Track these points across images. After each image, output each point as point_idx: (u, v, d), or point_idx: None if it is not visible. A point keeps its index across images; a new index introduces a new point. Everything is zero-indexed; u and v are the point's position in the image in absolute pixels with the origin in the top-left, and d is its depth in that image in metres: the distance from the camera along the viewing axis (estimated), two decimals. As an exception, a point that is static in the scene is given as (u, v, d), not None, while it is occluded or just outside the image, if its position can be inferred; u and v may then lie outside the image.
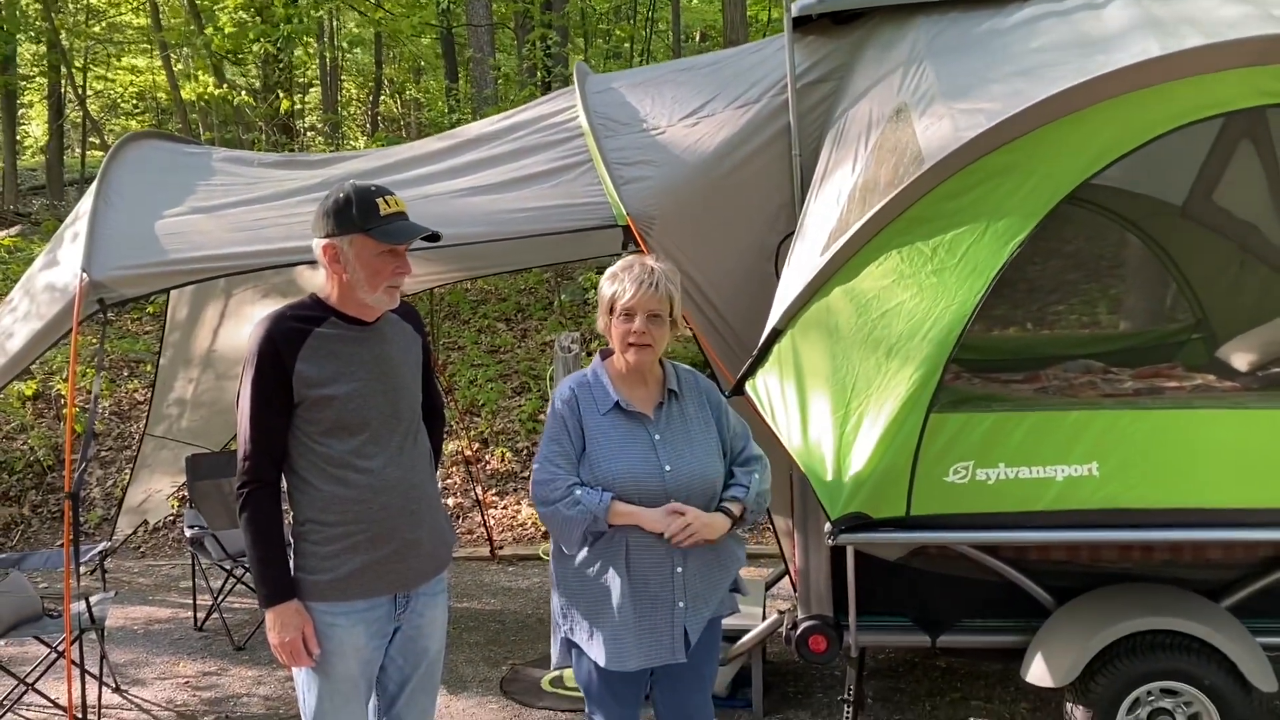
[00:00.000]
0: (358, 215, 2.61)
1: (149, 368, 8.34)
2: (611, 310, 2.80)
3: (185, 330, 6.26)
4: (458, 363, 9.40)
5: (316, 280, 6.13)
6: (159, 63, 13.90)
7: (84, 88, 15.35)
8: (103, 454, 8.26)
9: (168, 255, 4.11)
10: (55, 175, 16.43)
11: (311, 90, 17.56)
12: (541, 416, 8.48)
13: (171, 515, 7.41)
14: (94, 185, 4.50)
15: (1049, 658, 3.58)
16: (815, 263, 3.54)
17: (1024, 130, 3.28)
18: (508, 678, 4.94)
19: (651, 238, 4.03)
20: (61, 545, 6.88)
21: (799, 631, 3.95)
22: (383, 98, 16.34)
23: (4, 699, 4.64)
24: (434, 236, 2.73)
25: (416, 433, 2.79)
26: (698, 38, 17.20)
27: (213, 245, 4.16)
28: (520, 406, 8.75)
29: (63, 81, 15.19)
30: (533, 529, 7.48)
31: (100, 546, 5.21)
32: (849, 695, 4.05)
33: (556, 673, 4.86)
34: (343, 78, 17.16)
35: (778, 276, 3.99)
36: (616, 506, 2.73)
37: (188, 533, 5.68)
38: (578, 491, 2.73)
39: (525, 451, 8.28)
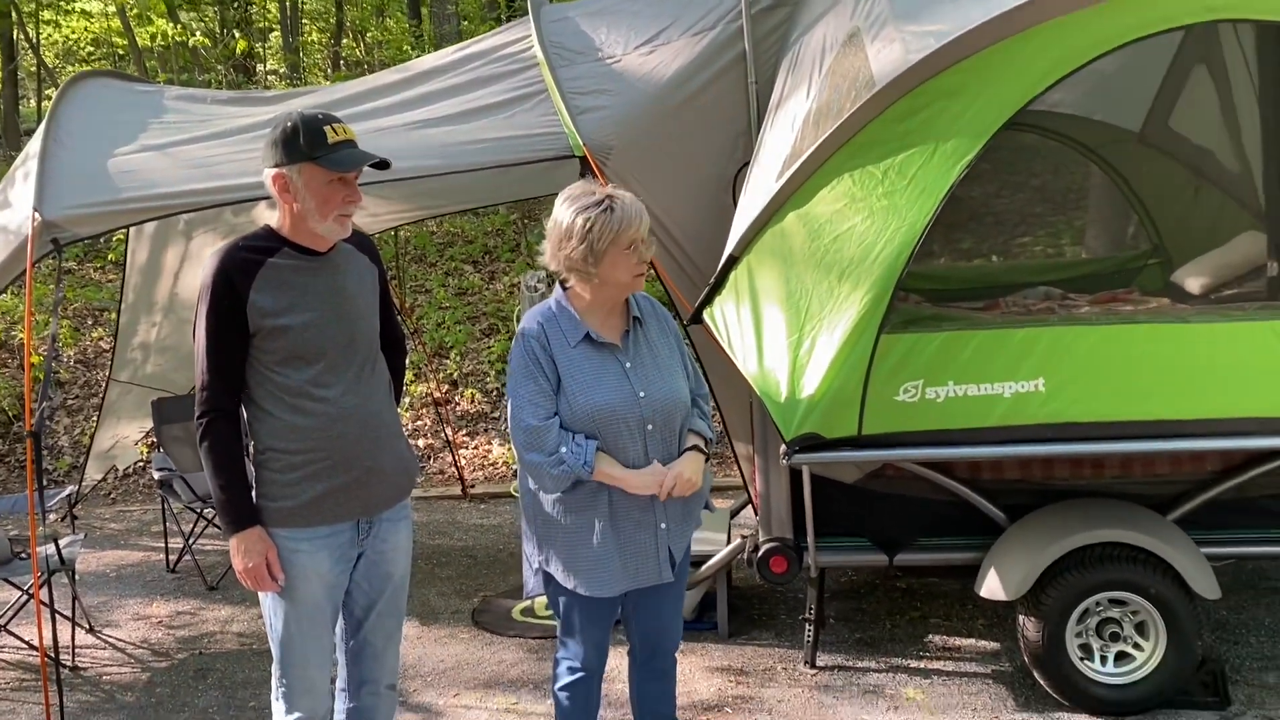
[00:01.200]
0: (305, 144, 2.60)
1: (113, 315, 8.28)
2: (602, 246, 2.68)
3: (146, 275, 6.20)
4: (425, 305, 9.38)
5: (276, 220, 6.10)
6: (113, 8, 13.58)
7: (37, 34, 15.00)
8: (69, 402, 8.23)
9: (121, 193, 4.07)
10: (11, 124, 16.05)
11: (272, 34, 17.21)
12: (511, 357, 8.49)
13: (141, 461, 7.41)
14: (43, 124, 4.43)
15: (1002, 572, 3.69)
16: (770, 189, 3.56)
17: (971, 51, 3.29)
18: (479, 609, 5.02)
19: (608, 168, 4.02)
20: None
21: (760, 554, 4.04)
22: (344, 40, 16.04)
23: (-23, 641, 4.69)
24: (384, 164, 2.73)
25: (374, 361, 2.82)
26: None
27: (167, 183, 4.12)
28: (489, 348, 8.76)
29: (14, 28, 14.82)
30: (504, 468, 7.54)
31: (67, 490, 5.22)
32: (810, 615, 4.16)
33: (527, 602, 4.94)
34: (303, 20, 16.82)
35: (735, 205, 4.01)
36: (601, 467, 2.74)
37: (156, 476, 5.69)
38: (563, 449, 2.72)
39: (495, 392, 8.30)
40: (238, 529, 2.65)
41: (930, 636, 4.41)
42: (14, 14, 13.51)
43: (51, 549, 4.44)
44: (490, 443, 7.87)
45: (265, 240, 2.67)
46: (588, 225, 2.69)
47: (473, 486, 7.22)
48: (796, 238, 3.44)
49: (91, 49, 17.26)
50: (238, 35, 12.10)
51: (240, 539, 2.65)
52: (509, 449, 7.63)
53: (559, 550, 2.85)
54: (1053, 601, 3.63)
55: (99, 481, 7.23)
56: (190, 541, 5.68)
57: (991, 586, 3.69)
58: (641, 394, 2.79)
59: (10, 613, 4.65)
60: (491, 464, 7.66)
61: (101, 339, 8.82)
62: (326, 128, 2.63)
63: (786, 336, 3.37)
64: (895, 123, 3.34)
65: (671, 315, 3.02)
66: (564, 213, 2.74)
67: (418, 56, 12.07)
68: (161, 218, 4.75)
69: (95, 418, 7.13)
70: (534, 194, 6.10)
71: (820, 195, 3.42)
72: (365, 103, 4.48)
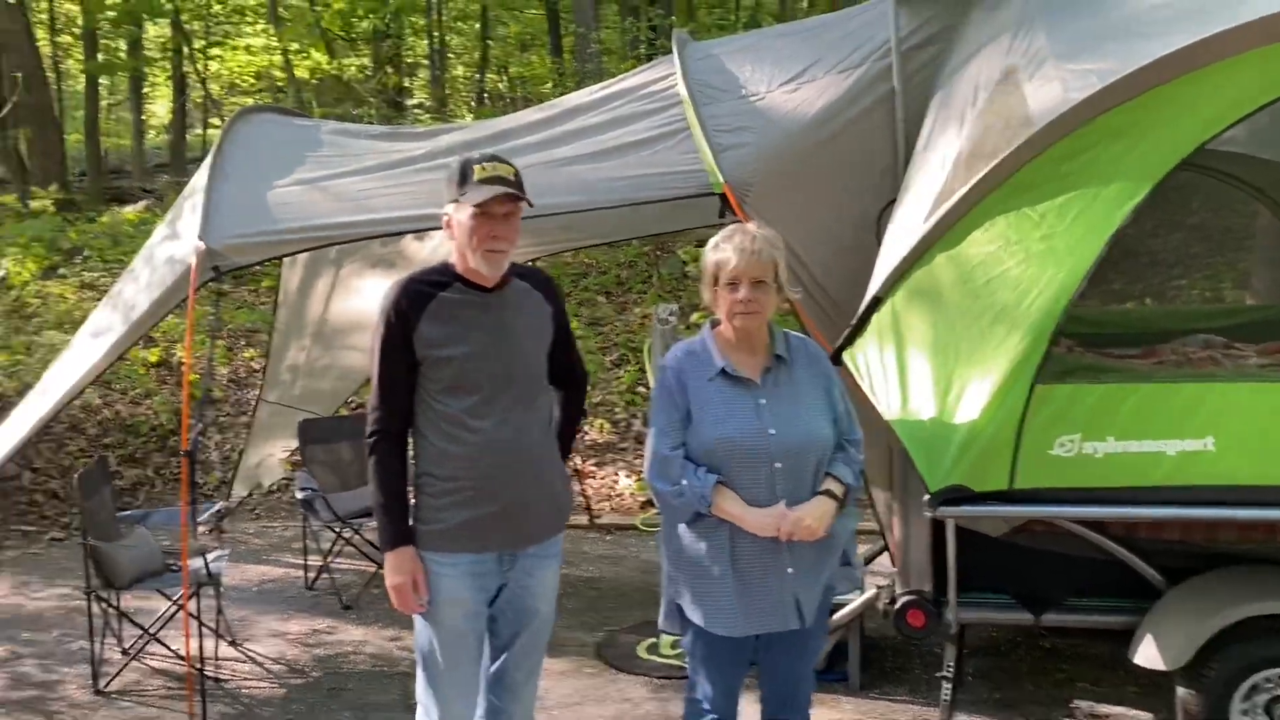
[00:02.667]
0: (458, 182, 2.74)
1: (265, 337, 8.65)
2: (716, 281, 2.79)
3: (298, 300, 6.47)
4: (559, 335, 9.49)
5: (423, 251, 6.28)
6: (274, 42, 14.35)
7: (204, 68, 15.96)
8: (220, 419, 8.60)
9: (278, 224, 4.24)
10: (179, 153, 17.11)
11: (420, 70, 17.89)
12: (640, 388, 8.52)
13: (285, 479, 7.67)
14: (209, 157, 4.66)
15: (1159, 640, 3.46)
16: (918, 229, 3.47)
17: (1139, 90, 3.15)
18: (604, 643, 5.00)
19: (748, 205, 3.98)
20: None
21: (897, 606, 3.90)
22: (488, 75, 16.54)
23: (129, 648, 4.90)
24: (516, 196, 2.73)
25: (533, 397, 2.85)
26: (805, 4, 16.92)
27: (320, 215, 4.28)
28: (619, 378, 8.80)
29: (185, 62, 15.80)
30: (630, 499, 7.53)
31: (217, 506, 5.44)
32: (948, 672, 3.98)
33: (652, 640, 4.90)
34: (449, 55, 17.43)
35: (878, 245, 3.92)
36: (721, 503, 2.72)
37: (299, 495, 5.87)
38: (684, 481, 2.74)
39: (623, 423, 8.32)
40: (390, 547, 2.76)
41: (1076, 702, 4.17)
42: (185, 49, 14.39)
43: (200, 563, 4.62)
44: (618, 474, 7.88)
45: (439, 274, 2.80)
46: (702, 264, 2.84)
47: (599, 516, 7.23)
48: (946, 280, 3.33)
49: (253, 81, 18.24)
50: (389, 70, 12.61)
51: (392, 556, 2.76)
52: (636, 480, 7.63)
53: (687, 584, 2.84)
54: (1216, 674, 3.38)
55: (245, 498, 7.52)
56: (328, 560, 5.83)
57: (1148, 654, 3.47)
58: (772, 431, 2.75)
59: (160, 623, 4.84)
60: (618, 495, 7.66)
61: (253, 359, 9.22)
62: (476, 166, 2.73)
63: (933, 382, 3.26)
64: (1055, 164, 3.21)
65: (826, 356, 2.97)
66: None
67: (559, 92, 12.35)
68: (316, 248, 4.92)
69: (244, 435, 7.44)
70: (669, 229, 6.11)
71: (972, 237, 3.31)
72: (511, 140, 4.56)
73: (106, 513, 4.88)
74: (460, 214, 2.72)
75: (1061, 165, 3.21)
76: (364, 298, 6.36)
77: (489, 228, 2.71)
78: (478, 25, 15.99)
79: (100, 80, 16.57)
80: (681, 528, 2.82)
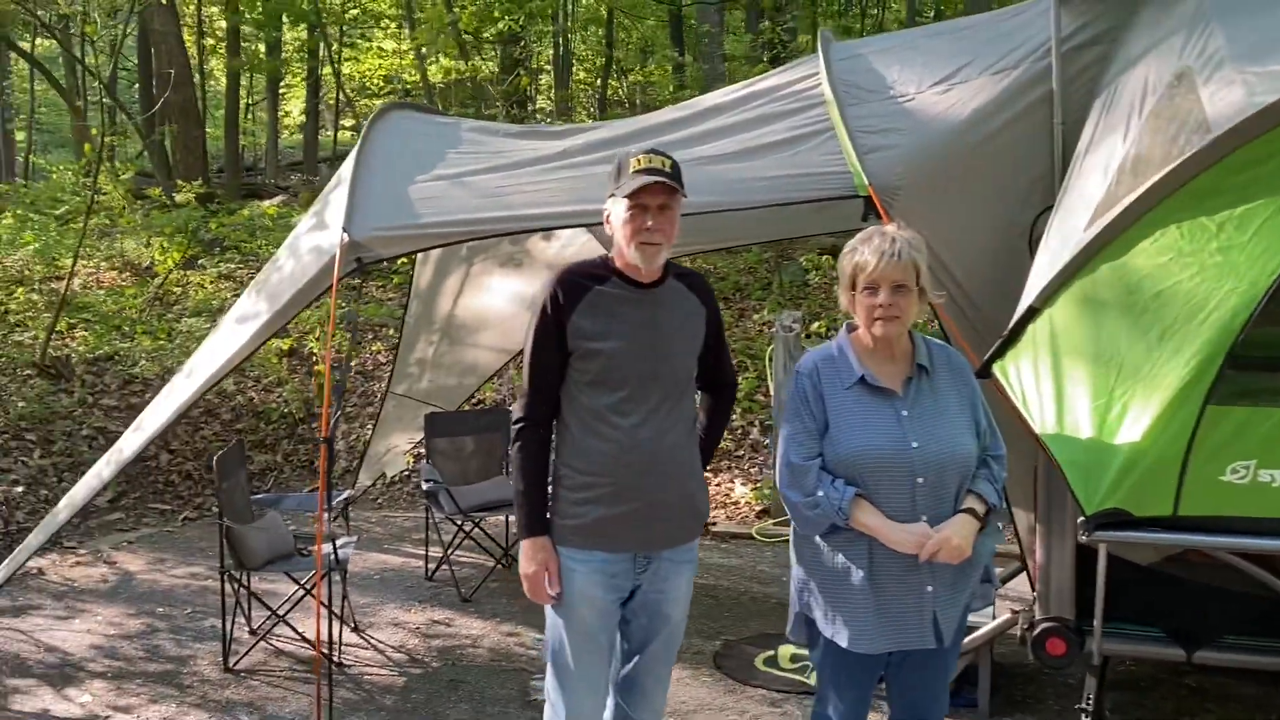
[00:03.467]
0: (615, 176, 2.74)
1: (392, 332, 8.82)
2: (854, 285, 2.71)
3: (428, 296, 6.57)
4: (677, 340, 9.44)
5: (549, 251, 6.30)
6: (406, 45, 14.73)
7: (339, 69, 16.46)
8: (348, 410, 8.81)
9: (420, 219, 4.28)
10: (311, 152, 17.73)
11: (543, 76, 18.13)
12: (758, 396, 8.41)
13: (408, 470, 7.81)
14: (354, 151, 4.74)
15: (1330, 686, 3.22)
16: (1079, 239, 3.31)
17: (1337, 93, 2.92)
18: (721, 653, 4.93)
19: (894, 209, 3.86)
20: (310, 490, 7.38)
21: (1036, 633, 3.73)
22: (610, 81, 16.66)
23: (257, 628, 5.02)
24: (672, 187, 2.69)
25: (679, 398, 2.81)
26: (932, 14, 16.58)
27: (460, 210, 4.31)
28: (737, 386, 8.70)
29: (320, 64, 16.34)
30: (745, 508, 7.43)
31: (345, 494, 5.54)
32: (1087, 705, 3.79)
33: (770, 652, 4.81)
34: (574, 62, 17.61)
35: (1031, 254, 3.76)
36: (860, 516, 2.64)
37: (423, 486, 5.95)
38: (820, 492, 2.66)
39: (740, 431, 8.22)
40: (526, 535, 2.76)
41: (1227, 746, 3.93)
42: (322, 51, 14.87)
43: (329, 548, 4.70)
44: (733, 480, 7.79)
45: (598, 268, 2.80)
46: (839, 268, 2.77)
47: (714, 524, 7.16)
48: (1110, 292, 3.16)
49: (382, 84, 18.76)
50: (521, 73, 12.79)
51: (527, 545, 2.76)
52: (752, 489, 7.53)
53: (820, 597, 2.76)
54: (1394, 727, 3.13)
55: (369, 487, 7.68)
56: (449, 552, 5.89)
57: (1315, 700, 3.23)
58: (914, 444, 2.65)
59: (287, 605, 4.95)
60: (733, 503, 7.57)
61: (379, 352, 9.42)
62: (631, 159, 2.72)
63: (1093, 399, 3.08)
64: (1236, 171, 3.01)
65: (969, 367, 2.85)
66: None
67: (682, 97, 12.35)
68: (455, 243, 4.97)
69: (370, 426, 7.60)
70: (804, 233, 6.00)
71: (1140, 247, 3.13)
72: (649, 139, 4.51)
73: (242, 495, 5.02)
74: (616, 207, 2.71)
75: (1244, 173, 3.01)
76: (492, 295, 6.44)
77: (642, 219, 2.68)
78: (601, 31, 16.13)
79: (240, 80, 17.25)
80: (817, 539, 2.74)
